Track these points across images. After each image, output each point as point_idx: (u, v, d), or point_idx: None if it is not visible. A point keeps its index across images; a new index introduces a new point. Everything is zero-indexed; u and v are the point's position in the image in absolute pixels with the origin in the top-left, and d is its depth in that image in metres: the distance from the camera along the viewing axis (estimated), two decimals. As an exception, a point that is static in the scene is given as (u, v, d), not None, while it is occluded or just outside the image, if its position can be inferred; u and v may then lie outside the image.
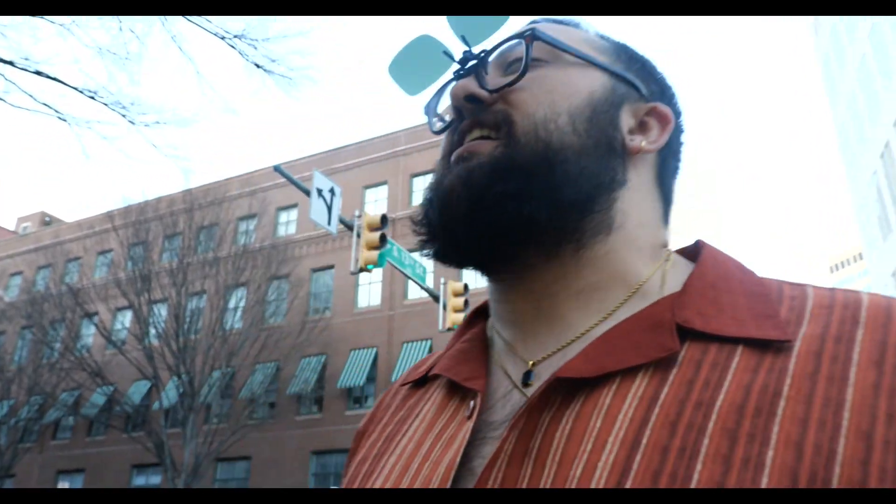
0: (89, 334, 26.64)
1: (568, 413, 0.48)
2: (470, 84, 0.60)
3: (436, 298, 12.17)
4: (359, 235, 10.18)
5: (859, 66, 27.85)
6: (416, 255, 23.02)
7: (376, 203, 25.59)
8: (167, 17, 9.14)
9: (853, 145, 30.75)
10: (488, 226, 0.56)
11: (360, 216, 10.34)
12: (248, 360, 21.99)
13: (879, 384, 0.44)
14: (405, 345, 22.59)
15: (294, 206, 26.77)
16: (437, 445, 0.55)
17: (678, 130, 0.67)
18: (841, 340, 0.47)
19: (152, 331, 21.80)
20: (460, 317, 11.88)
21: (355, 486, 0.61)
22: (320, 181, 9.75)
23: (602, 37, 0.68)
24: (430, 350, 21.97)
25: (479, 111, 0.60)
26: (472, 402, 0.55)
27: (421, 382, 0.67)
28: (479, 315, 0.70)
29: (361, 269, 9.99)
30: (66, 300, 24.05)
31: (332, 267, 25.16)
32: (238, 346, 21.03)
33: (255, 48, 9.90)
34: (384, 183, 25.79)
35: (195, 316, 21.68)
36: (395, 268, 11.09)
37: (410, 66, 0.67)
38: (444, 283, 12.27)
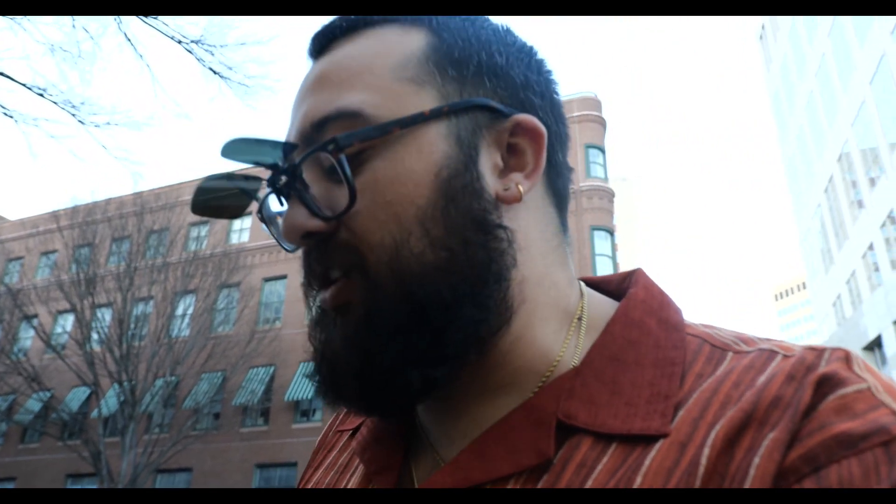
0: (27, 337, 25.73)
1: None
2: (299, 219, 0.49)
3: (387, 313, 12.15)
4: (311, 247, 10.12)
5: (807, 103, 28.93)
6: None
7: (332, 214, 25.47)
8: (122, 17, 8.99)
9: (800, 179, 31.87)
10: (382, 398, 0.50)
11: (313, 228, 10.29)
12: (193, 369, 21.52)
13: (725, 472, 0.40)
14: (356, 358, 22.42)
15: (248, 213, 26.39)
16: None
17: (552, 110, 0.55)
18: (713, 425, 0.42)
19: (94, 336, 21.19)
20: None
21: None
22: (274, 191, 9.67)
23: (409, 21, 0.53)
24: (381, 364, 21.86)
25: (322, 244, 0.50)
26: None
27: (356, 432, 0.63)
28: None
29: (313, 282, 9.92)
30: (5, 301, 23.21)
31: (284, 277, 24.87)
32: (184, 355, 20.58)
33: (212, 54, 9.82)
34: (341, 194, 25.69)
35: (140, 322, 21.15)
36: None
37: (218, 199, 0.56)
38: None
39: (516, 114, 0.52)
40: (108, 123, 10.08)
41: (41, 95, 9.35)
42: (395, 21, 0.54)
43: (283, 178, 0.51)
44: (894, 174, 20.56)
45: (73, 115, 9.72)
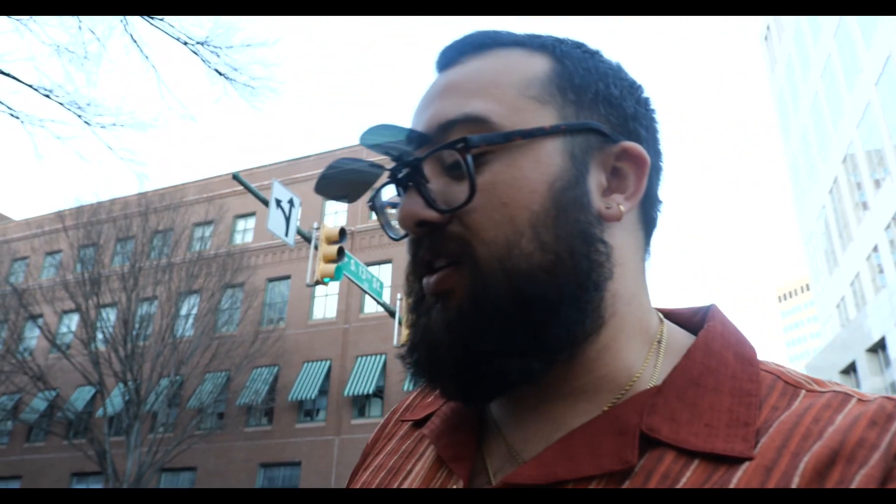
0: (33, 336, 25.84)
1: None
2: (416, 207, 0.53)
3: (392, 314, 12.15)
4: (316, 248, 10.13)
5: (812, 104, 28.87)
6: (373, 269, 22.98)
7: (336, 215, 25.48)
8: (128, 17, 9.02)
9: (804, 180, 31.79)
10: (477, 383, 0.53)
11: (318, 228, 10.29)
12: (197, 369, 21.58)
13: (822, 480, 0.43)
14: (359, 358, 22.45)
15: (252, 214, 26.47)
16: None
17: (654, 143, 0.60)
18: (797, 455, 0.45)
19: (99, 335, 21.25)
20: (415, 333, 11.88)
21: None
22: (279, 192, 9.68)
23: (535, 44, 0.59)
24: (385, 365, 21.88)
25: (435, 238, 0.54)
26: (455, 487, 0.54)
27: (419, 423, 0.66)
28: None
29: (318, 282, 9.93)
30: (10, 300, 23.30)
31: (288, 277, 24.92)
32: (188, 355, 20.63)
33: (218, 56, 9.84)
34: (345, 195, 25.68)
35: (145, 322, 21.20)
36: (352, 281, 11.04)
37: (341, 183, 0.62)
38: (401, 299, 12.26)
39: (624, 141, 0.56)
40: (114, 124, 10.11)
41: (47, 96, 9.39)
42: (520, 44, 0.58)
43: (405, 171, 0.55)
44: (899, 176, 20.50)
45: (79, 115, 9.75)
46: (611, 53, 0.62)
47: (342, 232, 10.21)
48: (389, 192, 0.62)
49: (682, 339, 0.58)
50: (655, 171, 0.59)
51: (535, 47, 0.58)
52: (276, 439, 22.40)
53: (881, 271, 22.68)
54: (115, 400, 21.69)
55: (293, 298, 24.45)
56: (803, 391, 0.51)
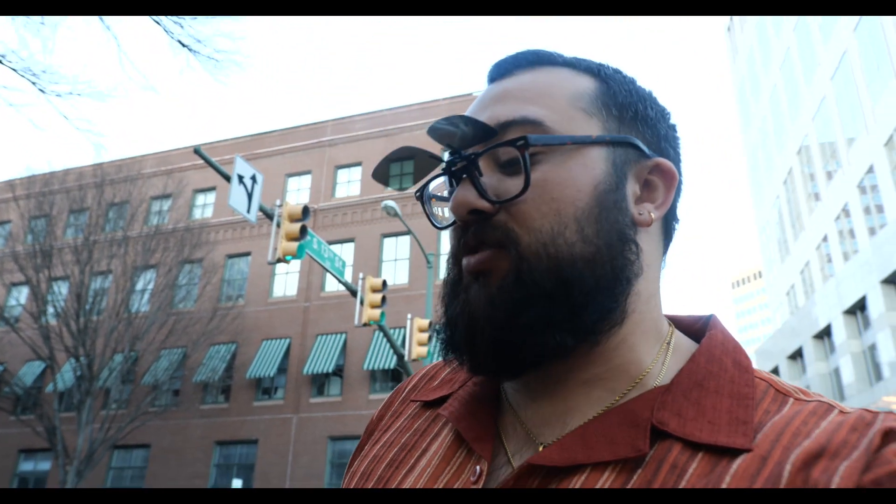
0: (-20, 309, 25.10)
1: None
2: (470, 197, 0.58)
3: (353, 293, 12.12)
4: (279, 225, 10.02)
5: (771, 96, 29.47)
6: (335, 247, 22.82)
7: (298, 192, 25.21)
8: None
9: (760, 170, 32.53)
10: (514, 354, 0.57)
11: (280, 205, 10.18)
12: (153, 346, 21.25)
13: (805, 484, 0.48)
14: (319, 337, 22.37)
15: (212, 189, 26.03)
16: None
17: (679, 164, 0.67)
18: (789, 448, 0.50)
19: (50, 309, 20.74)
20: (377, 312, 11.87)
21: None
22: (242, 167, 9.53)
23: (582, 67, 0.65)
24: (345, 344, 21.85)
25: (482, 225, 0.59)
26: (478, 468, 0.58)
27: (431, 404, 0.70)
28: None
29: (279, 260, 9.84)
30: (-44, 272, 22.57)
31: (248, 254, 24.62)
32: (143, 330, 20.28)
33: (181, 27, 9.58)
34: (308, 172, 25.44)
35: (99, 296, 20.75)
36: (315, 260, 10.97)
37: (398, 170, 0.68)
38: (363, 279, 12.24)
39: (657, 157, 0.63)
40: (71, 93, 9.80)
41: (0, 62, 9.05)
42: (568, 64, 0.65)
43: (462, 164, 0.60)
44: (850, 169, 21.14)
45: (34, 83, 9.43)
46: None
47: (305, 210, 10.11)
48: (435, 185, 0.68)
49: (687, 343, 0.64)
50: (678, 190, 0.66)
51: (582, 68, 0.65)
52: (232, 417, 22.24)
53: (829, 261, 23.42)
54: (66, 375, 21.25)
55: (253, 275, 24.19)
56: (791, 399, 0.57)
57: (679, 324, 0.69)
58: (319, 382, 22.12)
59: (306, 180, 25.41)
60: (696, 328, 0.67)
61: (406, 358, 12.88)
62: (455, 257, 0.62)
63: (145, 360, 22.06)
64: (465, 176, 0.60)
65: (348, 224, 23.84)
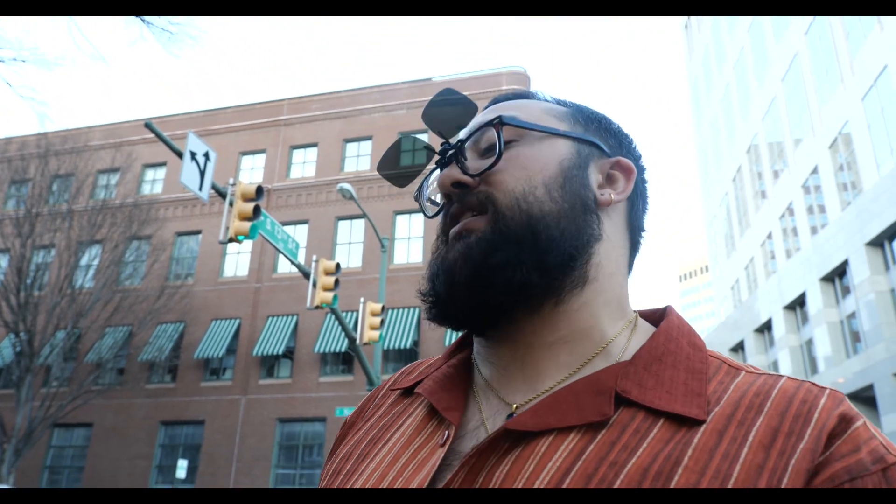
0: (-87, 281, 24.07)
1: (509, 458, 0.57)
2: (454, 172, 0.69)
3: (306, 275, 12.02)
4: (231, 204, 9.86)
5: (723, 95, 30.11)
6: (289, 229, 22.56)
7: (252, 171, 24.82)
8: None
9: (710, 166, 33.29)
10: (487, 292, 0.64)
11: (234, 184, 10.01)
12: (97, 323, 20.73)
13: (763, 465, 0.52)
14: (270, 318, 22.15)
15: (162, 164, 25.42)
16: (411, 465, 0.62)
17: (641, 174, 0.76)
18: (743, 424, 0.56)
19: (-11, 283, 20.04)
20: (330, 295, 11.81)
21: (337, 481, 0.68)
22: (194, 144, 9.34)
23: (559, 102, 0.77)
24: (296, 326, 21.68)
25: (465, 195, 0.68)
26: (446, 432, 0.63)
27: (409, 392, 0.75)
28: (467, 342, 0.78)
29: (231, 240, 9.69)
30: None
31: (198, 232, 24.17)
32: (87, 307, 19.76)
33: (135, -4, 9.27)
34: (262, 151, 25.05)
35: (41, 271, 20.13)
36: (268, 241, 10.84)
37: (396, 162, 0.76)
38: (316, 261, 12.15)
39: (618, 156, 0.73)
40: (15, 59, 9.44)
41: (-60, 23, 8.65)
42: (548, 100, 0.77)
43: (450, 152, 0.71)
44: (796, 168, 21.81)
45: (-24, 47, 9.03)
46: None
47: (259, 189, 9.97)
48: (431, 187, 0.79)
49: (648, 327, 0.71)
50: (641, 197, 0.76)
51: (556, 103, 0.77)
52: (179, 397, 21.90)
53: (773, 258, 24.19)
54: (6, 351, 20.60)
55: (203, 254, 23.77)
56: (744, 371, 0.63)
57: (641, 314, 0.76)
58: (269, 364, 21.93)
59: (260, 159, 25.02)
60: (655, 317, 0.74)
61: (358, 342, 12.86)
62: (443, 234, 0.70)
63: (89, 337, 21.51)
64: (452, 161, 0.70)
65: (302, 205, 23.59)
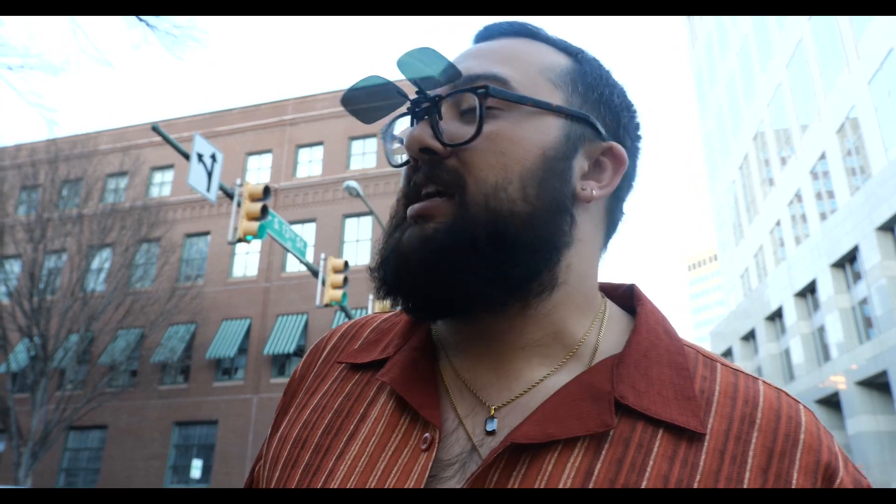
0: (-73, 288, 24.30)
1: (515, 474, 0.54)
2: (424, 136, 0.60)
3: (315, 274, 12.09)
4: (239, 205, 9.93)
5: (728, 82, 29.95)
6: (297, 228, 22.65)
7: (259, 171, 24.90)
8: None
9: (716, 155, 33.13)
10: (439, 290, 0.59)
11: (241, 185, 10.07)
12: (109, 326, 20.87)
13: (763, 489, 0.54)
14: (280, 318, 22.25)
15: (170, 166, 25.53)
16: (393, 472, 0.57)
17: (634, 160, 0.68)
18: (740, 441, 0.56)
19: (2, 288, 20.22)
20: (339, 293, 11.87)
21: (296, 474, 0.61)
22: (201, 145, 9.40)
23: (565, 48, 0.68)
24: (306, 324, 21.77)
25: (433, 165, 0.61)
26: (427, 435, 0.58)
27: (360, 367, 0.68)
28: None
29: (240, 240, 9.76)
30: None
31: (207, 233, 24.28)
32: (100, 310, 19.89)
33: None
34: (268, 151, 25.12)
35: (53, 275, 20.27)
36: (276, 241, 10.90)
37: (364, 100, 0.67)
38: (325, 259, 12.21)
39: (611, 141, 0.65)
40: (22, 66, 9.52)
41: (-53, 32, 8.74)
42: (548, 41, 0.68)
43: (425, 104, 0.62)
44: (803, 155, 21.69)
45: (-17, 55, 9.12)
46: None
47: (266, 189, 10.03)
48: (400, 127, 0.70)
49: (619, 314, 0.68)
50: (627, 183, 0.69)
51: (560, 47, 0.68)
52: (192, 397, 22.05)
53: (782, 245, 24.08)
54: (20, 356, 20.77)
55: (212, 255, 23.88)
56: (718, 364, 0.63)
57: (604, 291, 0.72)
58: (280, 363, 22.04)
59: (267, 159, 25.10)
60: (618, 294, 0.71)
61: (368, 338, 12.90)
62: (404, 198, 0.63)
63: (101, 340, 21.66)
64: (425, 116, 0.62)
65: (310, 204, 23.66)
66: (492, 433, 0.58)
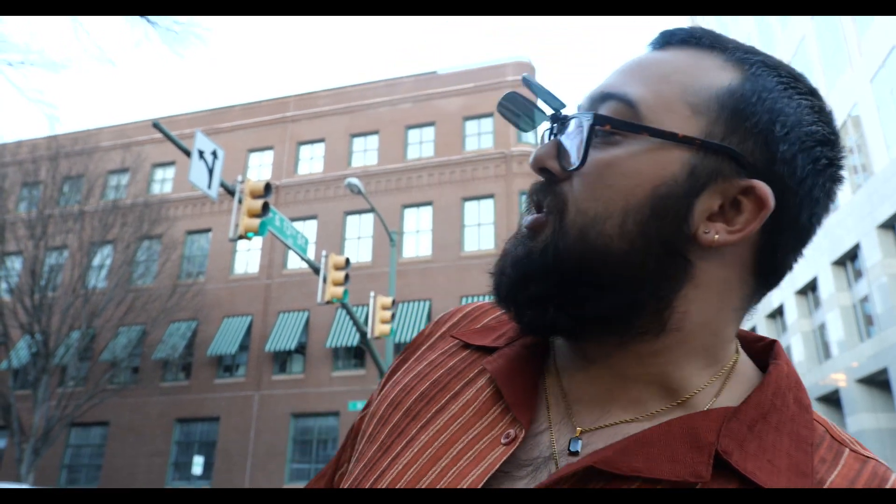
0: (-72, 285, 24.36)
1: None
2: (546, 156, 0.60)
3: (316, 271, 12.09)
4: (240, 202, 9.93)
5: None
6: (298, 224, 22.64)
7: (260, 168, 24.91)
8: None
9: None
10: (520, 314, 0.59)
11: (242, 182, 10.07)
12: (111, 322, 20.91)
13: None
14: (281, 314, 22.27)
15: (171, 163, 25.55)
16: (466, 456, 0.57)
17: (812, 218, 0.59)
18: None
19: (3, 285, 20.26)
20: (340, 290, 11.87)
21: (389, 440, 0.63)
22: (202, 142, 9.39)
23: (739, 58, 0.59)
24: (308, 321, 21.78)
25: (549, 183, 0.60)
26: (511, 431, 0.57)
27: (471, 347, 0.69)
28: None
29: (241, 237, 9.76)
30: None
31: (208, 230, 24.30)
32: (101, 307, 19.93)
33: (140, -3, 9.32)
34: (270, 148, 25.13)
35: (54, 272, 20.31)
36: (277, 238, 10.91)
37: (516, 110, 0.69)
38: (326, 256, 12.21)
39: (756, 180, 0.55)
40: (23, 63, 9.53)
41: (-51, 29, 8.74)
42: (723, 51, 0.60)
43: (553, 127, 0.62)
44: (805, 153, 21.66)
45: (-16, 51, 9.13)
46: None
47: (268, 186, 10.03)
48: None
49: (750, 370, 0.61)
50: (795, 231, 0.59)
51: (733, 59, 0.59)
52: (193, 394, 22.08)
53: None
54: (21, 352, 20.82)
55: (214, 252, 23.90)
56: (847, 450, 0.56)
57: (741, 339, 0.65)
58: (281, 360, 22.06)
59: (268, 156, 25.10)
60: (756, 348, 0.65)
61: (369, 336, 12.92)
62: (526, 207, 0.64)
63: (103, 337, 21.71)
64: (555, 136, 0.62)
65: (311, 201, 23.67)
66: (575, 454, 0.56)
